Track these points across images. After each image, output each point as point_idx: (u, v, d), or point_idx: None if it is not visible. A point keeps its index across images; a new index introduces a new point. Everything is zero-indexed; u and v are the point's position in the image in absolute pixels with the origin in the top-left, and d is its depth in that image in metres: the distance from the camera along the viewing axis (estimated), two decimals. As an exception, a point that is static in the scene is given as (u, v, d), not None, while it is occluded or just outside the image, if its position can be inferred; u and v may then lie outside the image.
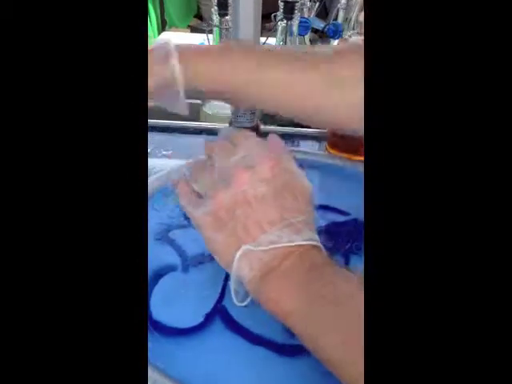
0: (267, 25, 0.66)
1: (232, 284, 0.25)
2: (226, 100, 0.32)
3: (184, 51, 0.27)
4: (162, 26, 1.61)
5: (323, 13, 1.10)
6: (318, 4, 0.78)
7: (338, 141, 0.46)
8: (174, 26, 1.67)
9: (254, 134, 0.28)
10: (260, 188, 0.25)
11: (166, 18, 1.63)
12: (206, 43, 0.87)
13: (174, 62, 0.27)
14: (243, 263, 0.24)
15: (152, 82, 0.27)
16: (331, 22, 0.67)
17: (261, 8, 0.39)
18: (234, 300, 0.25)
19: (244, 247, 0.24)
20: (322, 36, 0.80)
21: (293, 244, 0.24)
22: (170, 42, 0.28)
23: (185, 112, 0.29)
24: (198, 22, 1.85)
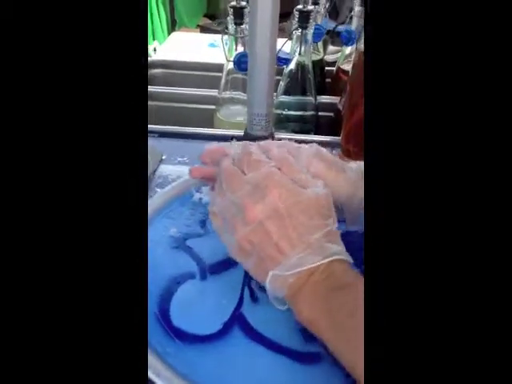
0: (280, 24, 0.66)
1: (270, 298, 0.28)
2: None
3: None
4: (172, 26, 1.62)
5: (333, 13, 1.10)
6: (328, 4, 0.78)
7: (352, 149, 0.46)
8: (184, 26, 1.68)
9: (251, 151, 0.29)
10: (274, 217, 0.26)
11: (176, 17, 1.64)
12: (219, 44, 0.88)
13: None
14: (274, 285, 0.27)
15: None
16: (345, 26, 0.68)
17: (278, 16, 0.40)
18: (276, 305, 0.28)
19: (271, 273, 0.26)
20: (333, 37, 0.79)
21: (314, 265, 0.25)
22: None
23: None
24: (207, 21, 1.86)
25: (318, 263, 0.25)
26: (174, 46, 0.91)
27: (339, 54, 0.74)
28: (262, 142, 0.32)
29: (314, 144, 0.31)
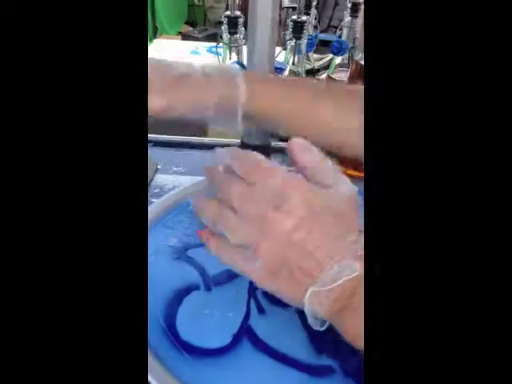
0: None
1: (308, 318, 0.24)
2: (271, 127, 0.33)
3: (247, 74, 0.30)
4: (154, 34, 1.61)
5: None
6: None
7: (349, 157, 0.47)
8: (165, 33, 1.67)
9: (260, 159, 0.26)
10: (302, 226, 0.23)
11: (157, 25, 1.63)
12: (202, 52, 0.88)
13: (240, 81, 0.29)
14: (313, 303, 0.24)
15: (215, 97, 0.29)
16: (326, 35, 0.69)
17: (277, 27, 0.40)
18: (313, 326, 0.25)
19: (309, 291, 0.23)
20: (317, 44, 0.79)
21: (355, 275, 0.23)
22: (235, 66, 0.30)
23: (239, 129, 0.31)
24: (188, 28, 1.85)
25: (357, 273, 0.23)
26: (157, 53, 0.90)
27: (321, 61, 0.75)
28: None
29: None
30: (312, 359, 0.28)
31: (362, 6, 0.58)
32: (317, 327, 0.25)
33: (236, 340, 0.29)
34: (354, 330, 0.23)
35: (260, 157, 0.26)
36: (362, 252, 0.23)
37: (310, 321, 0.24)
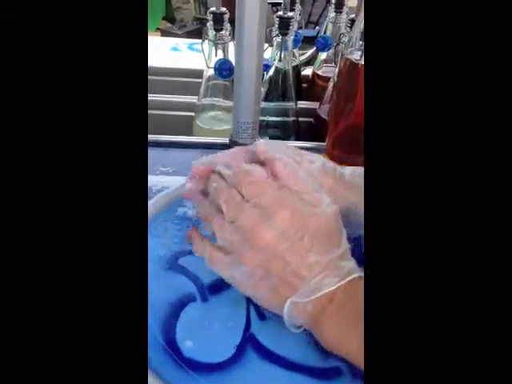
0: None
1: (287, 324, 0.26)
2: None
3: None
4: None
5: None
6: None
7: (338, 154, 0.46)
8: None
9: (254, 169, 0.27)
10: (285, 241, 0.25)
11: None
12: (182, 48, 0.86)
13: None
14: (292, 313, 0.25)
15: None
16: (315, 33, 0.68)
17: (265, 25, 0.39)
18: (292, 330, 0.26)
19: (288, 301, 0.25)
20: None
21: (333, 288, 0.24)
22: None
23: None
24: (167, 24, 1.82)
25: (337, 286, 0.25)
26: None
27: (302, 57, 0.74)
28: (258, 148, 0.28)
29: (319, 157, 0.31)
30: (319, 362, 0.28)
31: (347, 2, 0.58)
32: (295, 330, 0.26)
33: (240, 350, 0.28)
34: (331, 339, 0.25)
35: (249, 167, 0.27)
36: (348, 266, 0.25)
37: (289, 326, 0.26)
